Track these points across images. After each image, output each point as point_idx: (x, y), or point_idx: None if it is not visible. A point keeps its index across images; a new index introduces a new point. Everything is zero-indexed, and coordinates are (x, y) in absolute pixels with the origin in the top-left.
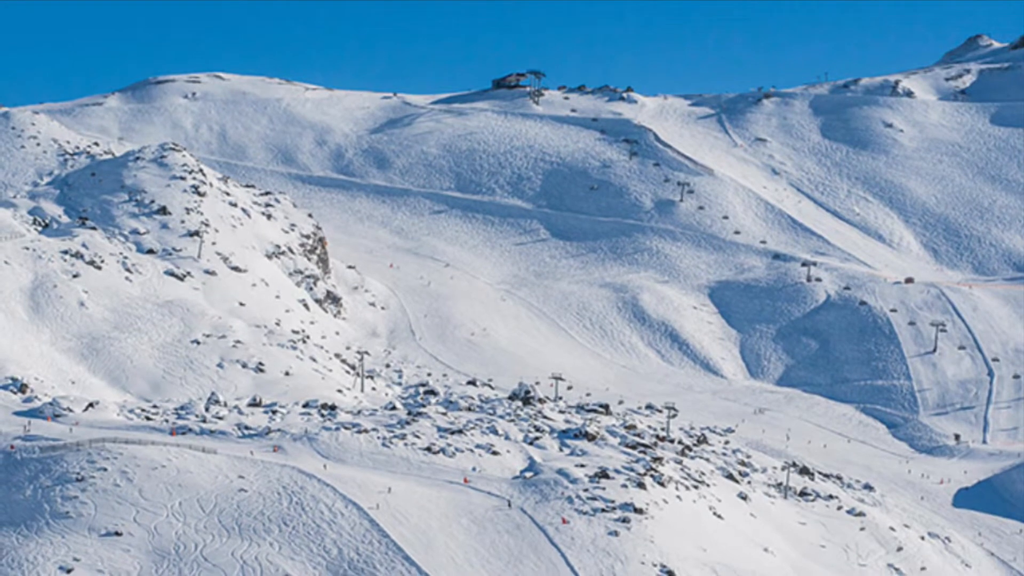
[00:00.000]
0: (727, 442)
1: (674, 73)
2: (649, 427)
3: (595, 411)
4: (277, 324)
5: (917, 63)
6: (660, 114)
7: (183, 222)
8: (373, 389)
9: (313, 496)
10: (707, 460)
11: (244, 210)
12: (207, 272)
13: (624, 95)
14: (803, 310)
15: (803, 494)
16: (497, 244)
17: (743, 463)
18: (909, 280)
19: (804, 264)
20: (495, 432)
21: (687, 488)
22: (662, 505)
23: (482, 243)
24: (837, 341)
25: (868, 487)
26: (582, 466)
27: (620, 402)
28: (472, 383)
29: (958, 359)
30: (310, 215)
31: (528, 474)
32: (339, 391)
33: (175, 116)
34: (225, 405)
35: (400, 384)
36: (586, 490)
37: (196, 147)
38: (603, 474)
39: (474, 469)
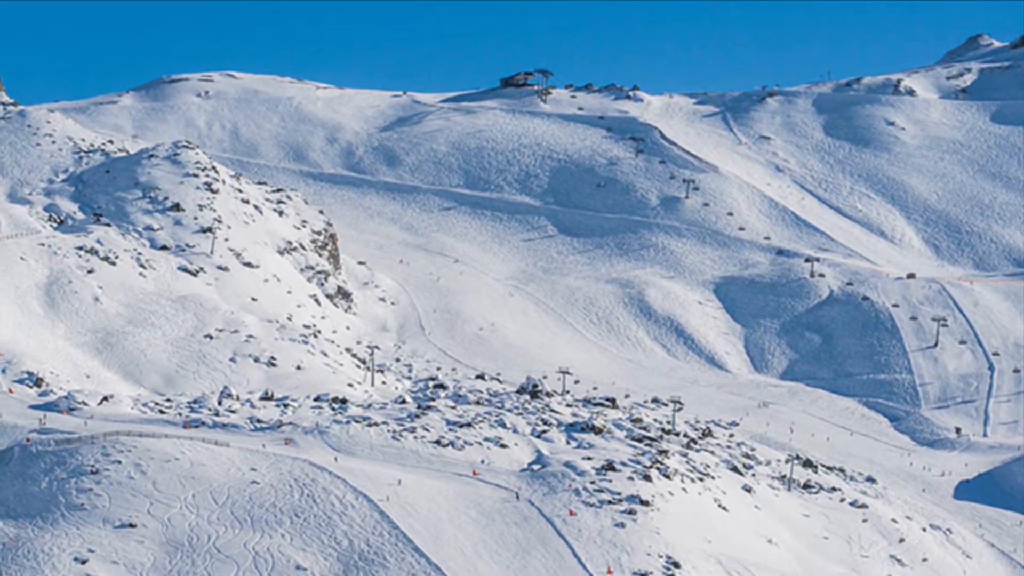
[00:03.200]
0: (732, 435)
1: (679, 72)
2: (655, 420)
3: (602, 405)
4: (289, 319)
5: (919, 62)
6: (666, 112)
7: (196, 219)
8: (383, 383)
9: (324, 488)
10: (712, 453)
11: (256, 207)
12: (220, 268)
13: (630, 93)
14: (806, 305)
15: (806, 486)
16: (505, 240)
17: (747, 456)
18: (911, 276)
19: (807, 260)
20: (503, 425)
21: (692, 480)
22: (668, 497)
23: (490, 239)
24: (840, 336)
25: (870, 480)
26: (589, 459)
27: (626, 396)
28: (481, 377)
29: (959, 353)
30: (321, 212)
31: (536, 467)
32: (350, 385)
33: (188, 114)
34: (237, 399)
35: (410, 378)
36: (593, 482)
37: (209, 145)
38: (610, 467)
39: (483, 462)
